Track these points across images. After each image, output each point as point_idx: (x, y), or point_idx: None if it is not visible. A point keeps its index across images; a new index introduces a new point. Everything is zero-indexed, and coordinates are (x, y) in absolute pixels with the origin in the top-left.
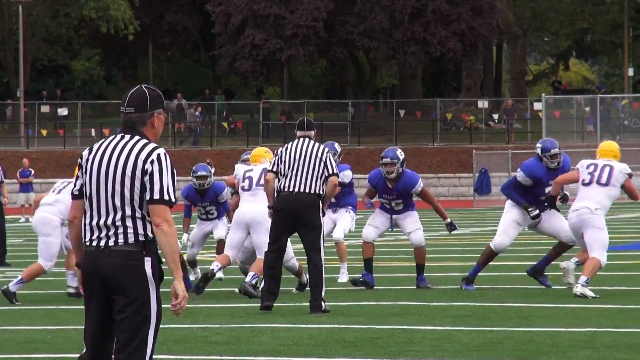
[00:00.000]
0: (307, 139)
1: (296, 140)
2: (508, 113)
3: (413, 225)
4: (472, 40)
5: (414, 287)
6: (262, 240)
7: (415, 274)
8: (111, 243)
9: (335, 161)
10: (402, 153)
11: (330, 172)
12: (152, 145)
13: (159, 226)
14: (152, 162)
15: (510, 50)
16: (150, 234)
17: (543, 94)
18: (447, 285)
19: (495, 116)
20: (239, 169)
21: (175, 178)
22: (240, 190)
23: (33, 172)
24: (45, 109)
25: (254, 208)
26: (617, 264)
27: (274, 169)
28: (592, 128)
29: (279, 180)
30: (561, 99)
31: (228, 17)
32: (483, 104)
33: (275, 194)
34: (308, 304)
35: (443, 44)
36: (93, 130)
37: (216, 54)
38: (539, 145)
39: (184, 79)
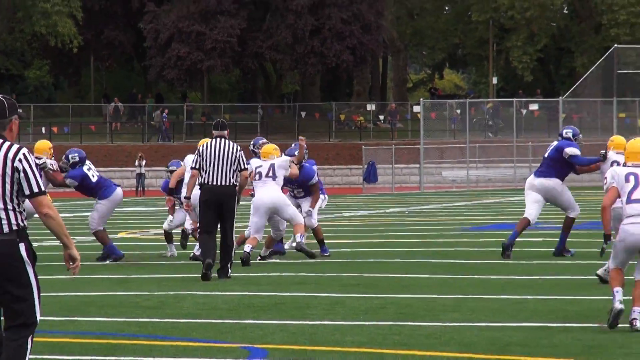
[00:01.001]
0: (222, 139)
1: (213, 140)
2: (392, 114)
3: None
4: (362, 53)
5: (312, 261)
6: (290, 213)
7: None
8: None
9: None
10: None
11: (242, 167)
12: (17, 145)
13: (46, 214)
14: (20, 160)
15: (393, 62)
16: (21, 223)
17: (421, 99)
18: (339, 259)
19: (381, 117)
20: (253, 163)
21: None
22: (253, 182)
23: None
24: None
25: (271, 194)
26: (482, 241)
27: (197, 166)
28: (456, 127)
29: (201, 176)
30: (436, 103)
31: (157, 33)
32: (371, 107)
33: (199, 187)
34: (216, 275)
35: (338, 56)
36: (43, 128)
37: (147, 64)
38: (569, 130)
39: (120, 85)
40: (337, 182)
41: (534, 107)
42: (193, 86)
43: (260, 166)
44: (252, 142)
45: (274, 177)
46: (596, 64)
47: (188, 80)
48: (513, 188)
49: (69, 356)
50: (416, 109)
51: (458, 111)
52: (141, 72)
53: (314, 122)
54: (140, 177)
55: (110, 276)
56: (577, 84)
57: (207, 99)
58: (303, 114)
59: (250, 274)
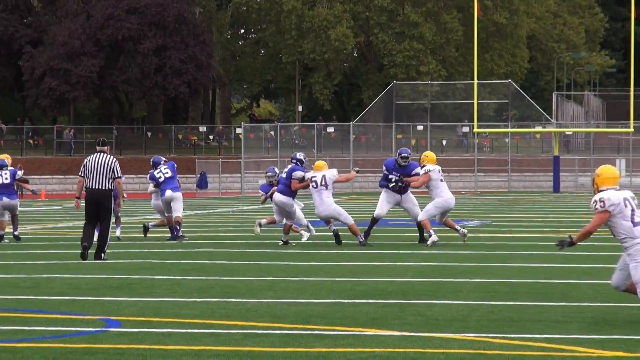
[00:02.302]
0: (102, 153)
1: (95, 154)
2: (219, 135)
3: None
4: (196, 87)
5: (158, 250)
6: (342, 219)
7: None
8: None
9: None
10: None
11: (116, 175)
12: None
13: None
14: None
15: (220, 93)
16: None
17: (242, 123)
18: (179, 249)
19: (211, 137)
20: (309, 174)
21: None
22: (311, 188)
23: None
24: None
25: (325, 207)
26: (292, 235)
27: (82, 175)
28: (270, 145)
29: (85, 182)
30: (254, 126)
31: (33, 69)
32: (203, 128)
33: (85, 189)
34: (81, 258)
35: (176, 89)
36: None
37: (25, 94)
38: (399, 151)
39: (3, 110)
40: None
41: (330, 129)
42: (62, 112)
43: (315, 176)
44: (268, 173)
45: (327, 185)
46: (379, 96)
47: (58, 107)
48: None
49: None
50: (238, 130)
51: (272, 133)
52: (20, 100)
53: (158, 140)
54: None
55: None
56: (364, 111)
57: (73, 122)
58: (149, 134)
59: (108, 261)
